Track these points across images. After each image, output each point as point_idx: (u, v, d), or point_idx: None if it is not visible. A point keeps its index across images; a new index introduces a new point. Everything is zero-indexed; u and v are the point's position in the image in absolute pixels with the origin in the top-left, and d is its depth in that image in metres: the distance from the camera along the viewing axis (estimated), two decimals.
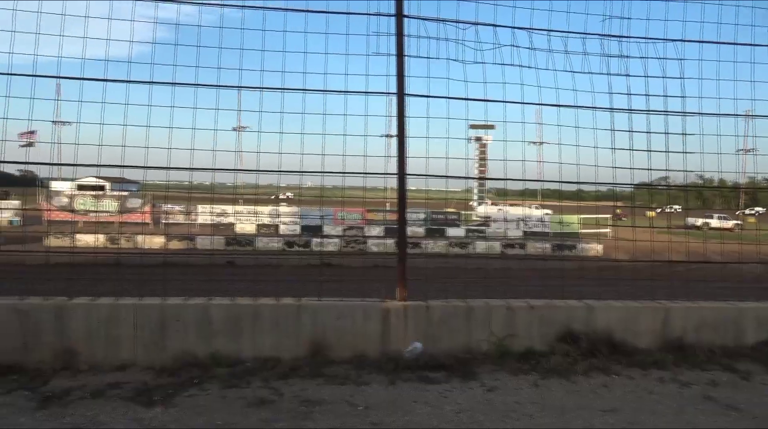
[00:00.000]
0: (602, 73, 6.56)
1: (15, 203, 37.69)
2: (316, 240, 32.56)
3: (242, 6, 6.31)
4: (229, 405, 4.70)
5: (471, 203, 42.92)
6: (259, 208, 39.68)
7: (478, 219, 42.61)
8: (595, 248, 33.95)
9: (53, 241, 28.39)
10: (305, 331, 5.79)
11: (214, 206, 38.61)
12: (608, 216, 34.84)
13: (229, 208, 38.49)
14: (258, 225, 38.72)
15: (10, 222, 32.26)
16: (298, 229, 38.23)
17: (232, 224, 38.48)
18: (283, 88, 6.20)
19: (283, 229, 38.40)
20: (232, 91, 6.46)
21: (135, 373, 5.41)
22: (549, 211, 42.89)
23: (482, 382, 5.27)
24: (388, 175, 6.19)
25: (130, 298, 5.89)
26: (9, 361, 5.35)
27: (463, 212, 41.81)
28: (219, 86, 6.07)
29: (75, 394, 4.85)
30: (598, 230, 37.13)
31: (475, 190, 41.16)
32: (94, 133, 6.02)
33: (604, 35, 6.68)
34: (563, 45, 6.71)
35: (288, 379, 5.26)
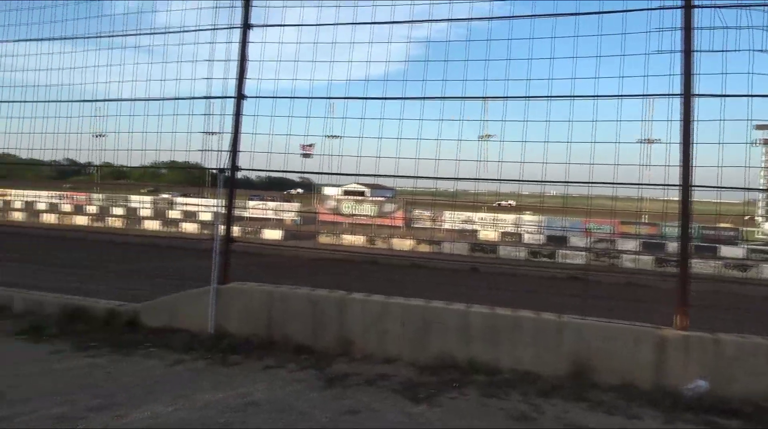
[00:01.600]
0: None
1: (297, 206, 44.73)
2: (561, 251, 31.21)
3: (532, 16, 6.28)
4: (490, 414, 4.70)
5: (756, 218, 36.11)
6: (503, 216, 39.72)
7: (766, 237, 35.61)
8: None
9: (324, 239, 32.79)
10: (567, 349, 5.51)
11: (459, 213, 39.97)
12: None
13: (473, 215, 39.44)
14: (502, 232, 38.74)
15: (294, 221, 38.52)
16: (542, 238, 37.13)
17: (475, 231, 39.29)
18: (550, 96, 6.01)
19: (527, 238, 37.73)
20: (495, 102, 6.52)
21: (400, 368, 5.81)
22: None
23: None
24: (669, 187, 5.49)
25: (398, 298, 6.36)
26: (302, 343, 6.26)
27: (743, 229, 35.43)
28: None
29: (352, 380, 5.42)
30: None
31: (761, 203, 34.54)
32: (356, 144, 6.70)
33: None
34: None
35: (549, 397, 5.05)
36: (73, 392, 4.84)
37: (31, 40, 8.15)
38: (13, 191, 51.26)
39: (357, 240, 34.14)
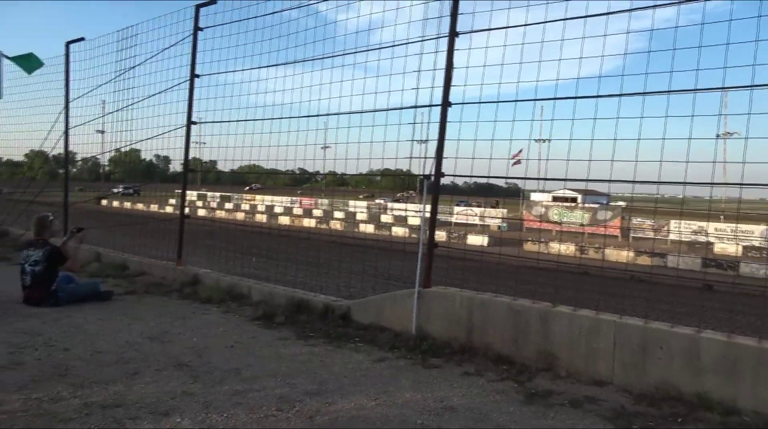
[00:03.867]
0: None
1: (502, 212, 44.20)
2: None
3: None
4: None
5: None
6: (747, 227, 33.88)
7: None
8: None
9: (530, 246, 31.74)
10: None
11: (689, 222, 35.24)
12: None
13: (706, 225, 34.43)
14: (744, 247, 33.06)
15: (499, 227, 38.13)
16: None
17: (710, 243, 34.22)
18: None
19: None
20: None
21: (611, 392, 5.27)
22: None
23: None
24: None
25: (610, 315, 5.79)
26: (502, 353, 6.08)
27: None
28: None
29: (555, 399, 5.07)
30: None
31: None
32: (574, 148, 6.22)
33: None
34: None
35: None
36: (293, 376, 5.41)
37: (270, 66, 9.40)
38: (257, 196, 60.83)
39: (566, 249, 32.34)
